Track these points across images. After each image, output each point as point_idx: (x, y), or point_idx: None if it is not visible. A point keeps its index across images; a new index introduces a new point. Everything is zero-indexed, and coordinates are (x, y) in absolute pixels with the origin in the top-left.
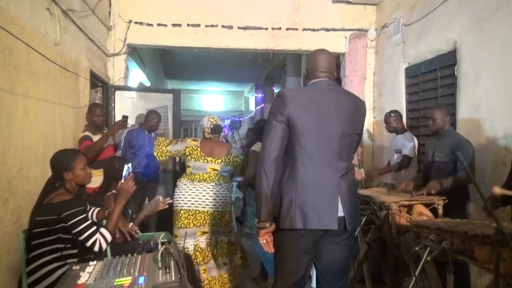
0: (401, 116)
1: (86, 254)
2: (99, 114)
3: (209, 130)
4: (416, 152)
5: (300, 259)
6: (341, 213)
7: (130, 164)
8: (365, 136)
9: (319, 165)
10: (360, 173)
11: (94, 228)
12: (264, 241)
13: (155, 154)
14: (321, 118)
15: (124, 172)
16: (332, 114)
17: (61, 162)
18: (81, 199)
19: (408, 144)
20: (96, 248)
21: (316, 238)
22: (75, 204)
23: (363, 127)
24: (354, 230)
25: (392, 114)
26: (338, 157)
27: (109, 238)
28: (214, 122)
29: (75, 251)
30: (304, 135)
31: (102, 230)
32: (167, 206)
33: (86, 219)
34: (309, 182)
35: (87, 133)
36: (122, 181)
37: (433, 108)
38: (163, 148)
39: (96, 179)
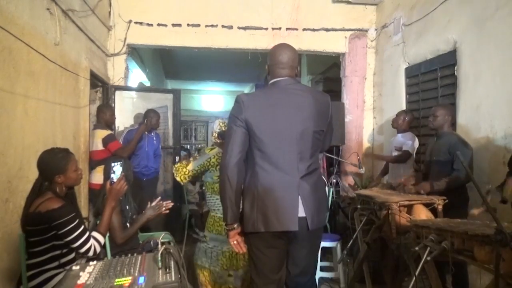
0: (411, 119)
1: (83, 257)
2: (113, 114)
3: (216, 134)
4: (415, 152)
5: (269, 257)
6: (302, 213)
7: (120, 163)
8: (365, 136)
9: (278, 167)
10: (360, 173)
11: (87, 234)
12: (235, 242)
13: (178, 179)
14: (278, 120)
15: (116, 172)
16: (290, 115)
17: (53, 165)
18: (73, 201)
19: (409, 142)
20: (91, 254)
21: (280, 238)
22: (64, 211)
23: (329, 122)
24: (318, 229)
25: (405, 114)
26: (298, 158)
27: (102, 240)
28: (223, 128)
29: (73, 255)
30: (262, 139)
31: (95, 234)
32: (167, 211)
33: (78, 226)
34: (269, 185)
35: (109, 131)
36: (114, 180)
37: (437, 106)
38: (184, 169)
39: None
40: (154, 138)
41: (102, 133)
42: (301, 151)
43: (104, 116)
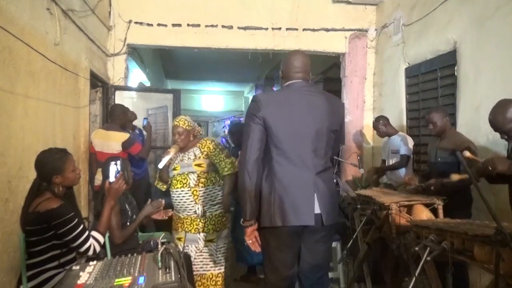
0: (387, 120)
1: (83, 256)
2: (128, 114)
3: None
4: (412, 152)
5: (284, 254)
6: (317, 210)
7: (119, 162)
8: (365, 136)
9: (295, 163)
10: (360, 173)
11: (86, 234)
12: (250, 241)
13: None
14: (294, 119)
15: (114, 172)
16: (306, 114)
17: (50, 165)
18: (72, 201)
19: (403, 144)
20: (90, 253)
21: (296, 234)
22: (63, 211)
23: (341, 124)
24: (331, 225)
25: (380, 121)
26: (313, 155)
27: (101, 240)
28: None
29: (73, 255)
30: (278, 136)
31: (94, 233)
32: (166, 217)
33: (77, 225)
34: (286, 180)
35: (128, 134)
36: (111, 180)
37: (430, 113)
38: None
39: None
40: (139, 136)
41: (121, 136)
42: (315, 149)
43: (123, 117)
